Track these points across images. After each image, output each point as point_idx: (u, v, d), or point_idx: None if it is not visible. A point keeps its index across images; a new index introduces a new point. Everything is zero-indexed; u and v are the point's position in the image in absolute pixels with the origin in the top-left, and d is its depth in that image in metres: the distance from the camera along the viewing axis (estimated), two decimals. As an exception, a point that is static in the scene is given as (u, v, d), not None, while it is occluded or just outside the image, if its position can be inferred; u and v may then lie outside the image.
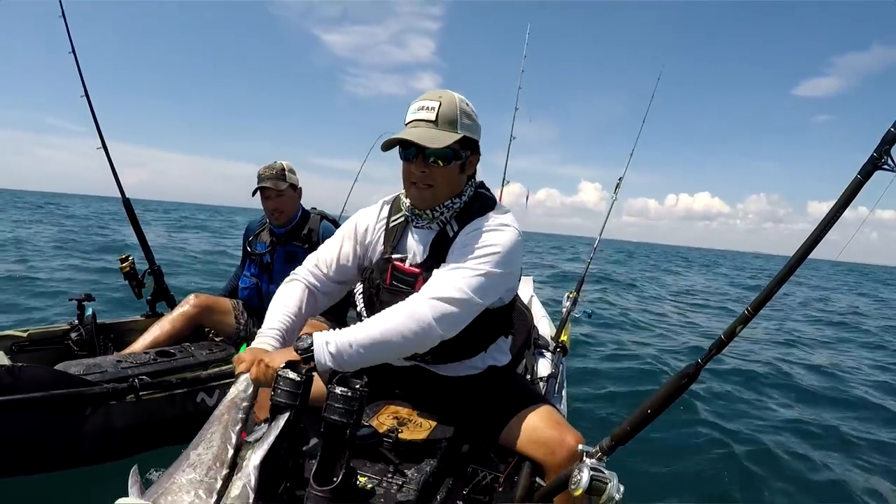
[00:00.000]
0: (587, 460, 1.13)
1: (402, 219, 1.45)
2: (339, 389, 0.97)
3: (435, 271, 1.29)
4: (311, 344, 1.14)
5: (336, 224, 2.64)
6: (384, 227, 1.48)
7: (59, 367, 1.88)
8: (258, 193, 2.50)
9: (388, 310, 1.21)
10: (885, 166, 0.95)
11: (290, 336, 1.37)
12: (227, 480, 0.91)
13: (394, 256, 1.41)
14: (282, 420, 0.98)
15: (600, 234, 3.51)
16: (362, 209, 1.57)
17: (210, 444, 0.99)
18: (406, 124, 1.33)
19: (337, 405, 0.94)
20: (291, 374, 1.02)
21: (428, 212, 1.38)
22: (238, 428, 1.03)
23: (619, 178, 3.44)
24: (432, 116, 1.29)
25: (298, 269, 1.49)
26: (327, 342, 1.14)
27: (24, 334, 2.27)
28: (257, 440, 0.97)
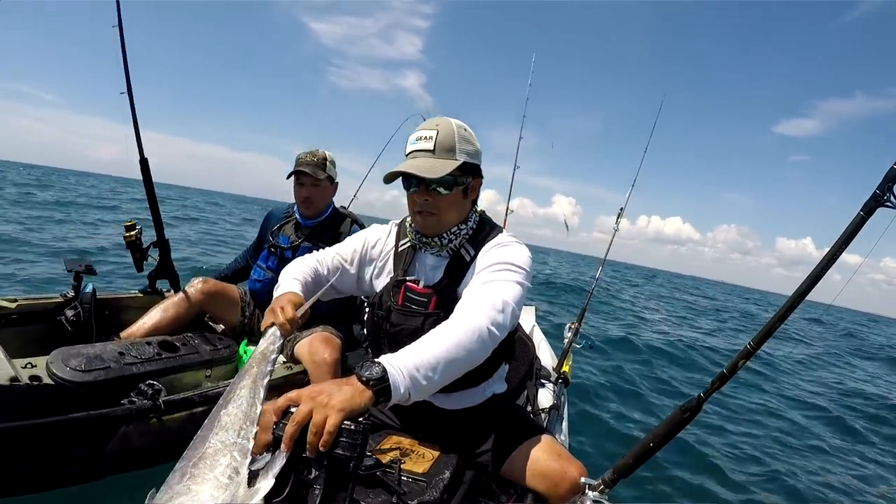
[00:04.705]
0: (590, 493, 1.12)
1: (409, 244, 1.45)
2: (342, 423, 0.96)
3: (471, 285, 1.29)
4: (384, 371, 0.97)
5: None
6: (392, 250, 1.49)
7: (55, 353, 1.76)
8: (292, 177, 2.41)
9: (442, 327, 1.13)
10: (888, 203, 0.96)
11: (310, 291, 1.41)
12: (255, 439, 0.94)
13: (408, 278, 1.41)
14: (285, 454, 0.98)
15: (602, 264, 3.51)
16: (375, 225, 1.59)
17: (239, 403, 1.00)
18: (406, 155, 1.35)
19: (341, 439, 0.93)
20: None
21: (436, 239, 1.39)
22: (266, 381, 1.06)
23: (621, 209, 3.44)
24: (430, 146, 1.31)
25: (308, 255, 1.54)
26: (400, 369, 0.99)
27: (13, 305, 2.10)
28: (261, 469, 0.96)
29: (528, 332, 2.73)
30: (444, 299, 1.36)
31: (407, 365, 1.00)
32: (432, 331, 1.12)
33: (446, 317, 1.19)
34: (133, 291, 2.55)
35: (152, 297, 2.50)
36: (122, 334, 2.16)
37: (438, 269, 1.41)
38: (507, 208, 3.73)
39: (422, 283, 1.40)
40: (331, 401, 0.90)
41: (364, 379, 0.95)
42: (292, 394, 0.96)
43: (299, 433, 0.89)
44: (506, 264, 1.28)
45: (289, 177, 2.42)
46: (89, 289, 2.24)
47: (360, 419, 0.94)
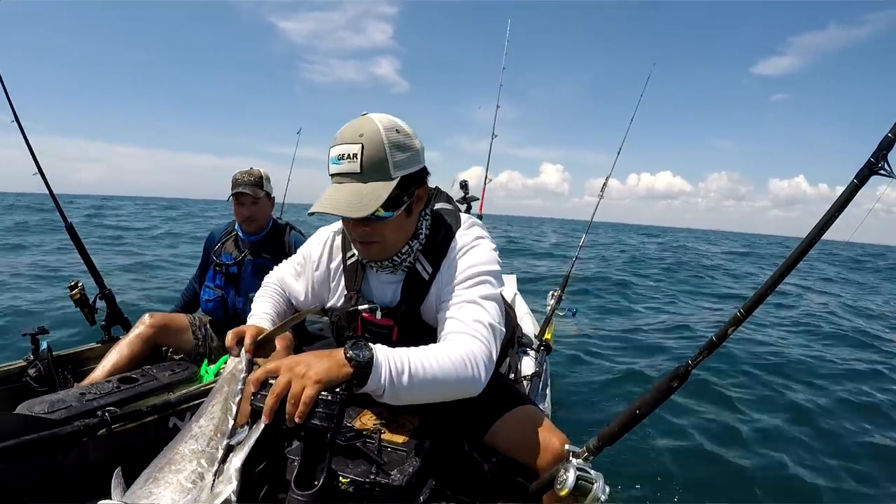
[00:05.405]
0: (573, 460, 1.11)
1: (356, 258, 1.35)
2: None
3: (451, 307, 1.19)
4: (371, 359, 0.96)
5: (304, 235, 2.60)
6: (341, 264, 1.38)
7: (21, 406, 1.77)
8: (232, 199, 2.50)
9: (444, 345, 1.11)
10: (882, 171, 0.95)
11: (282, 315, 1.40)
12: (228, 450, 0.94)
13: (361, 308, 1.32)
14: (262, 423, 0.96)
15: (587, 231, 3.52)
16: (321, 230, 1.47)
17: (212, 416, 1.03)
18: (331, 176, 1.16)
19: (317, 409, 0.92)
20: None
21: (385, 262, 1.27)
22: (238, 399, 1.07)
23: (606, 178, 3.50)
24: (356, 167, 1.09)
25: (269, 280, 1.50)
26: (388, 364, 0.98)
27: None
28: (239, 443, 0.94)
29: (509, 300, 2.73)
30: (406, 328, 1.29)
31: (397, 364, 0.99)
32: (433, 351, 1.07)
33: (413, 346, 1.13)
34: (91, 344, 2.59)
35: (109, 345, 2.52)
36: (83, 382, 2.16)
37: (395, 284, 1.31)
38: (486, 177, 3.71)
39: (379, 312, 1.30)
40: (308, 371, 0.91)
41: (349, 356, 0.95)
42: (271, 365, 0.95)
43: (279, 405, 0.90)
44: (478, 276, 1.20)
45: (229, 199, 2.51)
46: (45, 346, 2.30)
47: (338, 390, 0.93)
